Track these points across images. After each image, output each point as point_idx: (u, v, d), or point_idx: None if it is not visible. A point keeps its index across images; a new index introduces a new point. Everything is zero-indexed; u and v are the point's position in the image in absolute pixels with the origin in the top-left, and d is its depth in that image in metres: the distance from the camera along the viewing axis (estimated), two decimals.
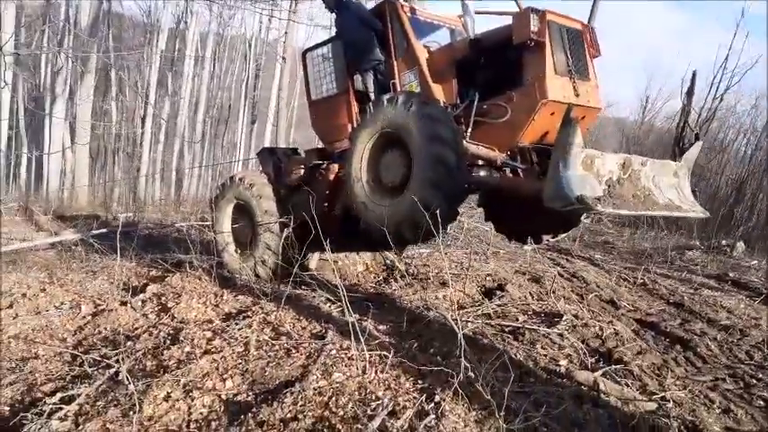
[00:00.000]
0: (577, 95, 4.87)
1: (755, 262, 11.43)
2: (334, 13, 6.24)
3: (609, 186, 4.29)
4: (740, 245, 12.94)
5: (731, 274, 9.49)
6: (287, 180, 6.64)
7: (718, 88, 19.35)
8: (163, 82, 25.93)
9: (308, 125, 7.14)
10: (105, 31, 21.33)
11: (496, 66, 5.19)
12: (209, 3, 20.59)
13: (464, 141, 4.85)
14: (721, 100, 19.92)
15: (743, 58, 23.39)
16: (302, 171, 6.55)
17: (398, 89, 5.61)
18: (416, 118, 4.81)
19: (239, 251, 6.82)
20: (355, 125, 5.77)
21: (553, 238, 5.56)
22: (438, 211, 4.58)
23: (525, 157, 5.07)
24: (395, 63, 5.68)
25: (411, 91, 5.45)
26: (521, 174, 5.12)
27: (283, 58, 16.70)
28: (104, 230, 9.60)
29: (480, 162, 5.11)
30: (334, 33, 6.54)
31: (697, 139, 5.13)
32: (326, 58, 6.51)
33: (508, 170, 5.22)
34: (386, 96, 5.19)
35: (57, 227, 10.53)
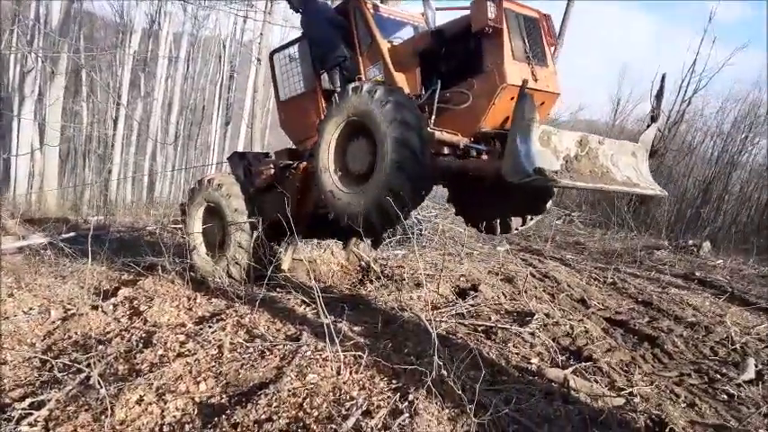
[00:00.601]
0: (536, 80, 5.00)
1: (721, 261, 11.76)
2: (299, 13, 6.29)
3: (566, 161, 4.41)
4: (706, 245, 13.28)
5: (697, 274, 9.75)
6: (257, 181, 6.65)
7: (686, 92, 19.88)
8: (135, 83, 25.53)
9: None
10: (76, 31, 20.96)
11: (458, 55, 5.31)
12: (184, 3, 20.37)
13: (428, 127, 4.95)
14: (689, 103, 20.47)
15: (710, 63, 24.03)
16: (272, 171, 6.56)
17: None
18: (381, 104, 4.91)
19: (211, 254, 6.79)
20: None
21: (522, 224, 5.68)
22: (404, 194, 4.70)
23: (488, 142, 5.17)
24: (360, 59, 5.77)
25: (376, 80, 5.53)
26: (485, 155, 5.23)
27: (258, 60, 16.58)
28: (74, 234, 9.42)
29: (446, 151, 5.22)
30: (300, 34, 6.60)
31: (653, 120, 5.28)
32: (293, 58, 6.59)
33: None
34: (351, 86, 5.27)
35: (25, 231, 10.29)
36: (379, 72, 5.63)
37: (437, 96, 5.09)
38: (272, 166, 6.64)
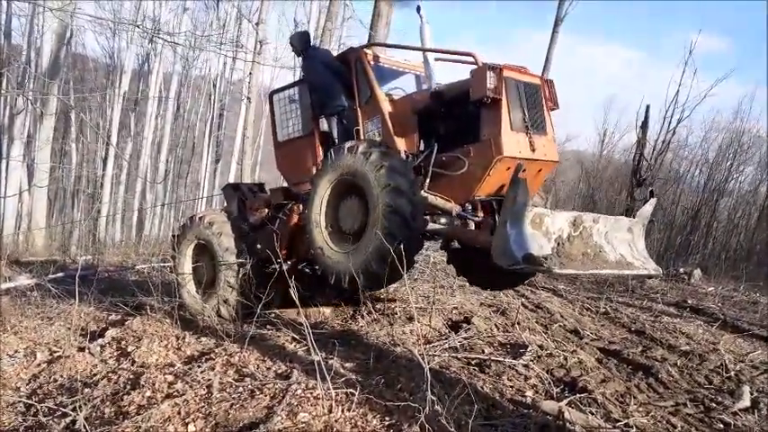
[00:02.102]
0: (533, 150, 4.93)
1: (712, 288, 11.79)
2: (301, 57, 6.32)
3: (558, 244, 4.31)
4: (697, 272, 13.33)
5: (689, 301, 9.76)
6: (251, 218, 6.61)
7: (670, 122, 20.25)
8: (125, 122, 25.69)
9: (273, 164, 7.15)
10: (66, 73, 21.13)
11: (456, 118, 5.25)
12: (174, 45, 20.64)
13: (421, 191, 4.91)
14: (674, 133, 20.82)
15: (692, 93, 24.38)
16: (266, 210, 6.53)
17: (362, 136, 5.65)
18: (375, 168, 4.87)
19: (201, 292, 6.72)
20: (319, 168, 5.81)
21: (498, 290, 5.64)
22: (394, 261, 4.55)
23: (486, 209, 5.12)
24: (359, 110, 5.72)
25: (372, 140, 5.47)
26: (478, 225, 5.16)
27: (248, 99, 16.75)
28: (62, 274, 9.31)
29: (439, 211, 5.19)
30: (300, 76, 6.60)
31: (652, 196, 5.26)
32: (293, 100, 6.53)
33: (472, 223, 5.24)
34: (347, 144, 5.24)
35: (11, 272, 10.16)
36: (376, 126, 5.58)
37: (433, 159, 5.05)
38: (266, 204, 6.62)
